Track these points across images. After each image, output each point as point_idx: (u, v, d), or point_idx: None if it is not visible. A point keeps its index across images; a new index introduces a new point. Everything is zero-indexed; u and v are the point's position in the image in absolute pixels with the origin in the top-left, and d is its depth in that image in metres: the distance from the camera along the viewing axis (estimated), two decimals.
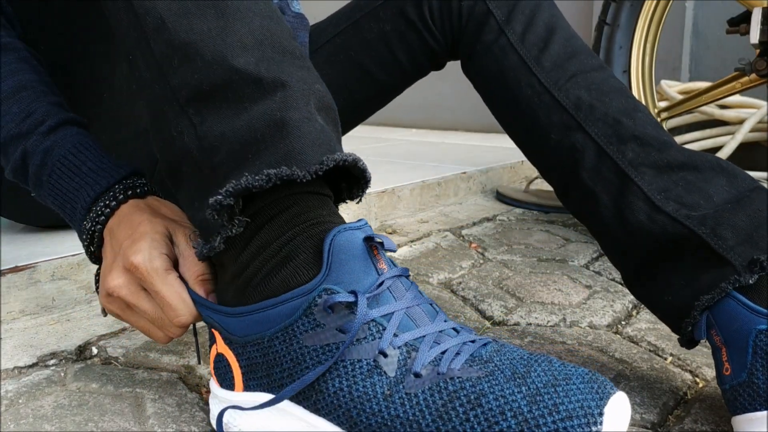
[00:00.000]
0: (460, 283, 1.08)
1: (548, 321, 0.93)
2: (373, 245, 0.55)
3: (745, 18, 1.31)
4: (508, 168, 1.92)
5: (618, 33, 1.51)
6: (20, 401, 0.68)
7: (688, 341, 0.69)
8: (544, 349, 0.83)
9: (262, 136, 0.55)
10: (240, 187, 0.53)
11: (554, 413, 0.46)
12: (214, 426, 0.60)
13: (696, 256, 0.67)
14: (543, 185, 1.76)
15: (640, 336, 0.89)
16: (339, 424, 0.52)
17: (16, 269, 0.87)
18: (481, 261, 1.20)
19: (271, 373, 0.56)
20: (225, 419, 0.59)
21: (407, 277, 0.57)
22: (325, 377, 0.52)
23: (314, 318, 0.53)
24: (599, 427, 0.46)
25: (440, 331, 0.54)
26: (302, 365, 0.53)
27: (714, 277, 0.65)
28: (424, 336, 0.53)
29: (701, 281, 0.66)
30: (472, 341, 0.54)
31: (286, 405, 0.55)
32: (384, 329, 0.52)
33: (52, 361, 0.77)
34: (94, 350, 0.80)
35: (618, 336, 0.89)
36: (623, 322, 0.94)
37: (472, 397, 0.48)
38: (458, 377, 0.50)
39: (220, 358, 0.60)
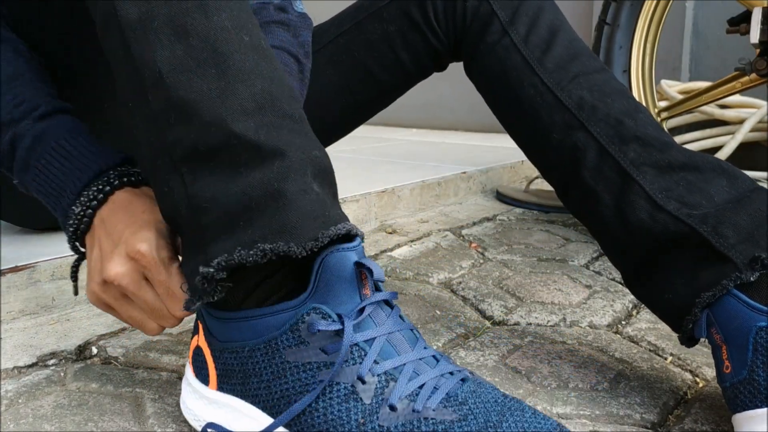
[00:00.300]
0: (460, 282, 1.08)
1: (548, 321, 0.93)
2: (362, 271, 0.55)
3: (745, 18, 1.31)
4: (508, 168, 1.92)
5: (618, 33, 1.51)
6: (20, 401, 0.68)
7: (689, 339, 0.69)
8: (544, 349, 0.83)
9: (256, 205, 0.54)
10: (233, 261, 0.53)
11: None
12: (182, 410, 0.62)
13: (697, 255, 0.67)
14: (543, 185, 1.76)
15: (641, 336, 0.89)
16: None
17: (15, 269, 0.87)
18: (481, 261, 1.20)
19: (247, 382, 0.56)
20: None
21: (392, 300, 0.57)
22: (302, 395, 0.53)
23: (299, 335, 0.54)
24: None
25: (420, 359, 0.54)
26: (282, 379, 0.54)
27: (715, 274, 0.65)
28: (404, 365, 0.53)
29: (702, 279, 0.66)
30: (451, 373, 0.54)
31: (256, 413, 0.56)
32: (365, 354, 0.53)
33: (51, 361, 0.77)
34: (94, 350, 0.80)
35: (618, 336, 0.89)
36: (623, 322, 0.94)
37: None
38: (432, 418, 0.50)
39: (198, 351, 0.61)
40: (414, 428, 0.50)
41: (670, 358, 0.83)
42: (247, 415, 0.56)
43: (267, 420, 0.55)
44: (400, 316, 0.57)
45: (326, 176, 0.59)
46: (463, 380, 0.54)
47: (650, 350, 0.85)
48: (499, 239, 1.34)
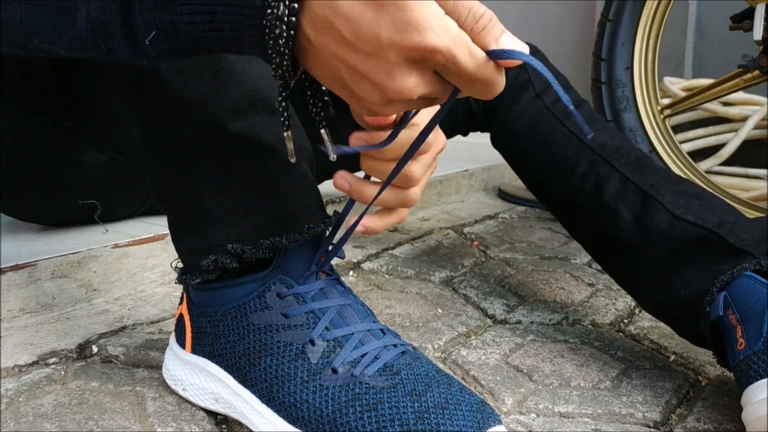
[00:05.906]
0: (462, 281, 1.07)
1: (550, 319, 0.93)
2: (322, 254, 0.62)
3: (748, 14, 1.30)
4: None
5: (621, 30, 1.50)
6: (20, 399, 0.68)
7: (710, 327, 0.70)
8: (546, 348, 0.82)
9: (253, 198, 0.60)
10: (237, 252, 0.60)
11: (435, 431, 0.52)
12: (164, 373, 0.70)
13: (714, 253, 0.72)
14: None
15: (643, 334, 0.89)
16: (259, 396, 0.60)
17: (16, 267, 0.87)
18: (483, 259, 1.20)
19: (215, 343, 0.63)
20: (168, 365, 0.69)
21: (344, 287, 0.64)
22: (260, 354, 0.60)
23: (265, 301, 0.61)
24: None
25: (368, 330, 0.60)
26: (245, 340, 0.61)
27: (733, 264, 0.70)
28: (352, 334, 0.59)
29: (719, 270, 0.70)
30: (394, 345, 0.60)
31: (218, 371, 0.63)
32: (318, 321, 0.59)
33: (52, 360, 0.77)
34: (95, 348, 0.79)
35: (620, 334, 0.89)
36: (626, 321, 0.94)
37: (372, 401, 0.55)
38: (366, 383, 0.56)
39: (181, 318, 0.68)
40: (349, 390, 0.56)
41: (672, 357, 0.82)
42: (211, 373, 0.64)
43: (228, 378, 0.62)
44: (353, 295, 0.63)
45: (313, 163, 0.65)
46: (403, 353, 0.59)
47: (653, 349, 0.85)
48: (501, 237, 1.34)
